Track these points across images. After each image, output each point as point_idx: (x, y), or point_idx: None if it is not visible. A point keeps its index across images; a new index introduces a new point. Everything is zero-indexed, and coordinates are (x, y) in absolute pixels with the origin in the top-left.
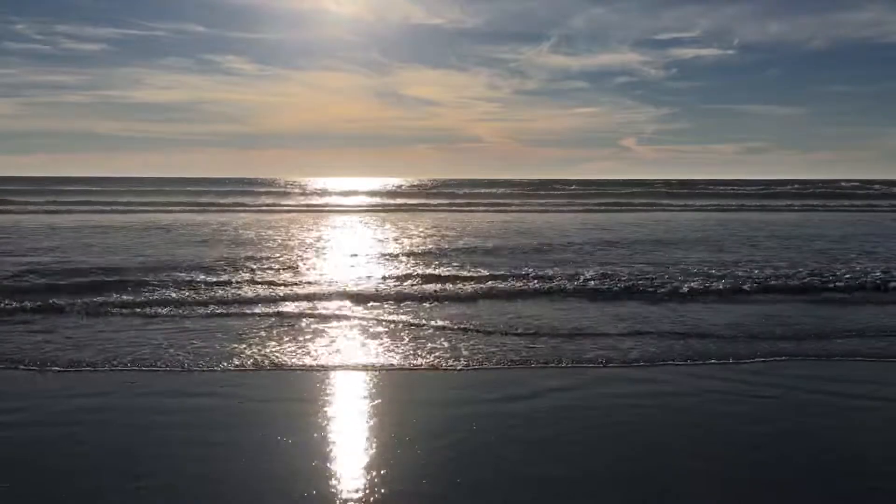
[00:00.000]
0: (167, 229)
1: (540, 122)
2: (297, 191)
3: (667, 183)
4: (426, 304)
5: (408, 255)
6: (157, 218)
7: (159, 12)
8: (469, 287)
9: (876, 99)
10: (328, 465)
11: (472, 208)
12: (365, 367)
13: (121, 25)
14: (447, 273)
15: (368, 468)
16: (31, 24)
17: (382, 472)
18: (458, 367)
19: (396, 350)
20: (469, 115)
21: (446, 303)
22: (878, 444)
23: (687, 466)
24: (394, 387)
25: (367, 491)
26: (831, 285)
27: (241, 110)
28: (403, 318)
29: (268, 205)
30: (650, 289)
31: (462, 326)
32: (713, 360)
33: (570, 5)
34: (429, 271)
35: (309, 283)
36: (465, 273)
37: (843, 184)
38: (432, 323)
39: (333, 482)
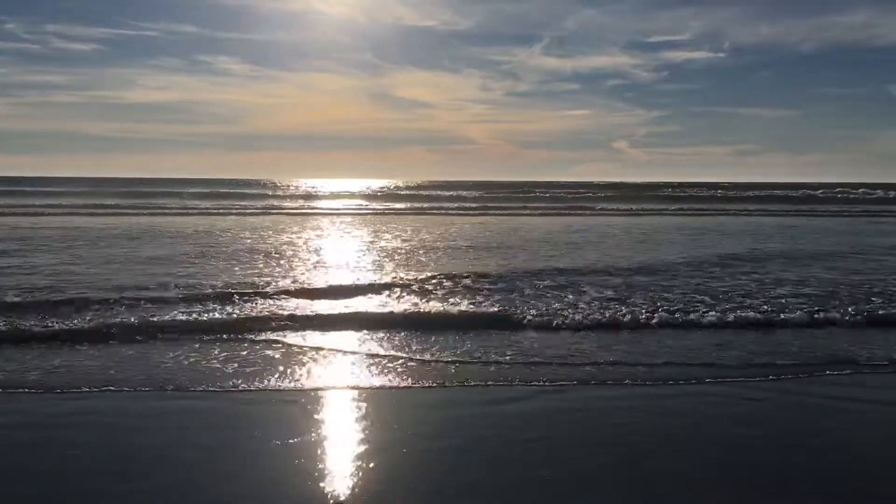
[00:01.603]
0: (133, 235)
1: (532, 123)
2: (286, 193)
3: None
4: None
5: (383, 266)
6: (133, 221)
7: (150, 12)
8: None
9: (866, 101)
10: (323, 466)
11: (464, 212)
12: (358, 387)
13: (112, 25)
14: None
15: (364, 469)
16: (20, 24)
17: (378, 472)
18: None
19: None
20: (462, 117)
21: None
22: (875, 445)
23: (686, 467)
24: (388, 395)
25: (364, 491)
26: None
27: (233, 111)
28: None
29: (254, 207)
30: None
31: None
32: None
33: (562, 7)
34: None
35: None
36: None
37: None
38: (415, 356)
39: (328, 483)
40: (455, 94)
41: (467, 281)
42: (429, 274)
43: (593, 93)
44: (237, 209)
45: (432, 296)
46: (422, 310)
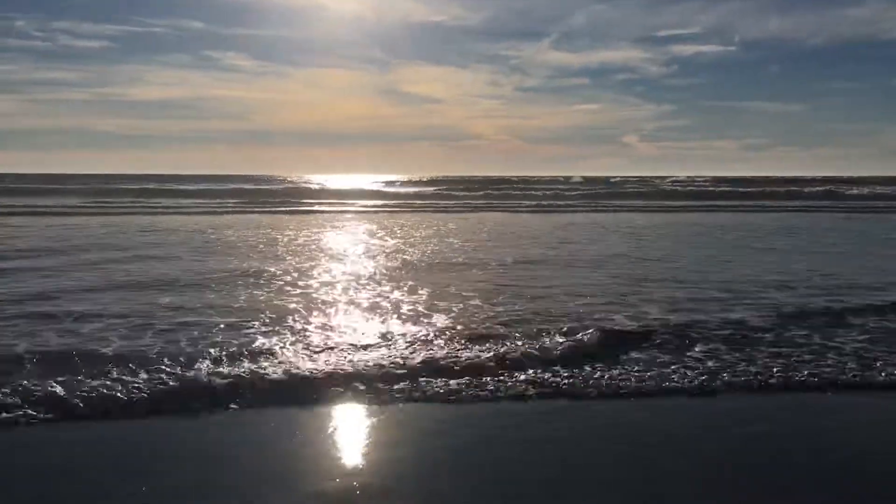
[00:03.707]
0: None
1: (541, 119)
2: (292, 189)
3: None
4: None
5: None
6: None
7: (158, 8)
8: None
9: (876, 96)
10: (326, 465)
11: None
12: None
13: (120, 22)
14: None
15: (367, 466)
16: (30, 21)
17: (381, 469)
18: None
19: None
20: (470, 113)
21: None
22: (876, 445)
23: (686, 467)
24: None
25: (367, 488)
26: None
27: (242, 107)
28: None
29: (255, 204)
30: None
31: None
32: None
33: (571, 2)
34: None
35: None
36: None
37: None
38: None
39: (332, 481)
40: (463, 89)
41: None
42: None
43: (602, 87)
44: (258, 209)
45: None
46: None
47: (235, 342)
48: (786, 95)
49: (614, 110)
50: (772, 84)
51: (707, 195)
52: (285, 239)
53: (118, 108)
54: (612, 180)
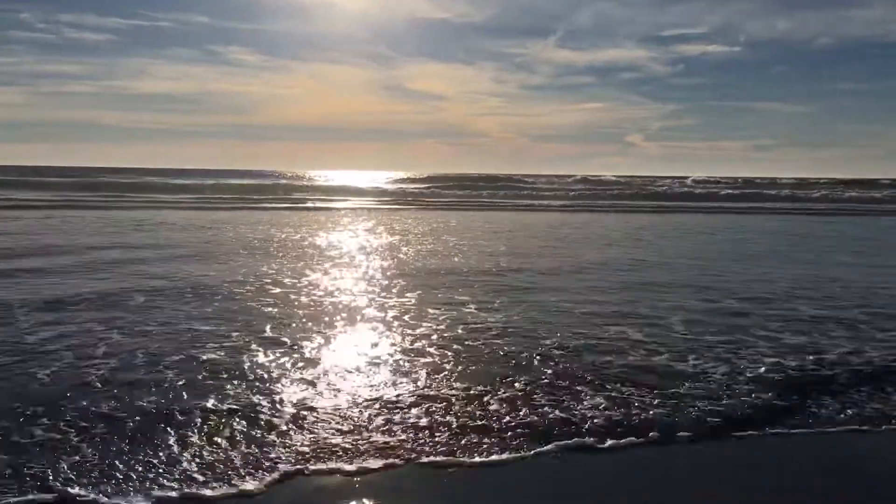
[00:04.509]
0: None
1: (546, 117)
2: (294, 185)
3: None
4: None
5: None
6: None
7: (163, 2)
8: None
9: (883, 96)
10: (332, 463)
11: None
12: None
13: (125, 15)
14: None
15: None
16: (35, 13)
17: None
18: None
19: None
20: (475, 110)
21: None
22: (877, 445)
23: (688, 469)
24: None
25: (368, 485)
26: None
27: (246, 102)
28: None
29: (252, 200)
30: None
31: None
32: None
33: (576, 0)
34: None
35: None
36: None
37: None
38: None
39: (336, 476)
40: (468, 86)
41: None
42: None
43: (607, 86)
44: (257, 206)
45: None
46: None
47: None
48: (793, 96)
49: (619, 109)
50: (778, 84)
51: (711, 196)
52: (283, 236)
53: (123, 101)
54: (614, 179)
